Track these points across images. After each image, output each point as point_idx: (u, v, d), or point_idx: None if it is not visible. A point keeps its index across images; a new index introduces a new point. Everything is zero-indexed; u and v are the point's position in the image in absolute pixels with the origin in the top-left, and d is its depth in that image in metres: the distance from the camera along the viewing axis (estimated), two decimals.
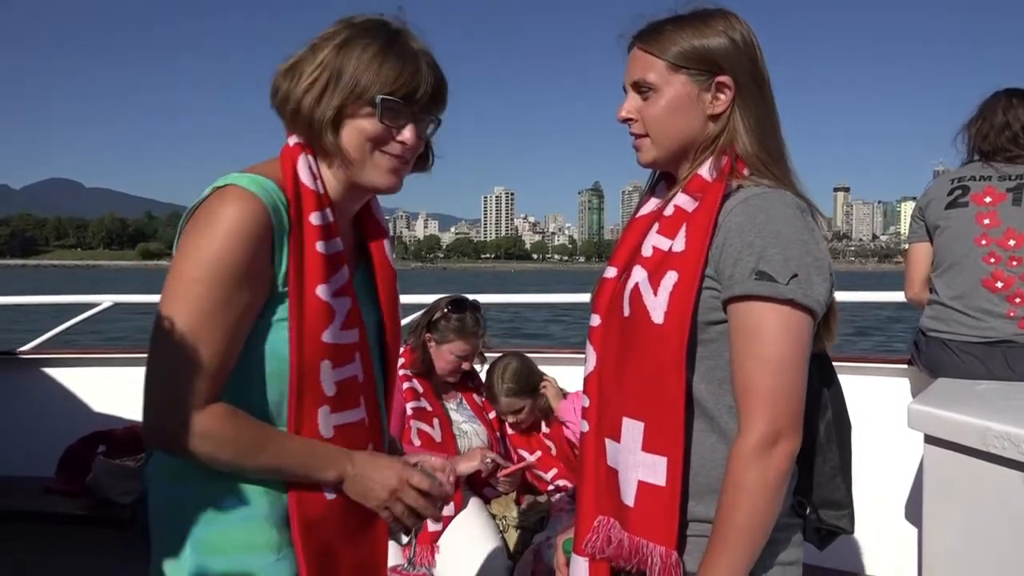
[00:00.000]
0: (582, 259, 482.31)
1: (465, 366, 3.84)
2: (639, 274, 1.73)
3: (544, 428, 4.01)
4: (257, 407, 1.69)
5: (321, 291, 1.69)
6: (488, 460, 3.61)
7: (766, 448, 1.58)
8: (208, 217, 1.62)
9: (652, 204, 1.91)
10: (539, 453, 3.96)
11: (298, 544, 1.70)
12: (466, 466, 3.56)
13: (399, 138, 1.75)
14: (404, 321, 4.59)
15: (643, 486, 1.67)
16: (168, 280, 1.63)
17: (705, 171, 1.74)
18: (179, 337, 1.59)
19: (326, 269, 1.71)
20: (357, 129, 1.71)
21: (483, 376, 4.09)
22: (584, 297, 5.70)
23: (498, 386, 3.87)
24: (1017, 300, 3.40)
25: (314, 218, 1.70)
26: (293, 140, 1.75)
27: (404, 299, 4.82)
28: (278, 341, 1.68)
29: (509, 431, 4.04)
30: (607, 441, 1.78)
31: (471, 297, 3.98)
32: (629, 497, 1.70)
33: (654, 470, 1.66)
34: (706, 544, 1.65)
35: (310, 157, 1.74)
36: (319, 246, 1.70)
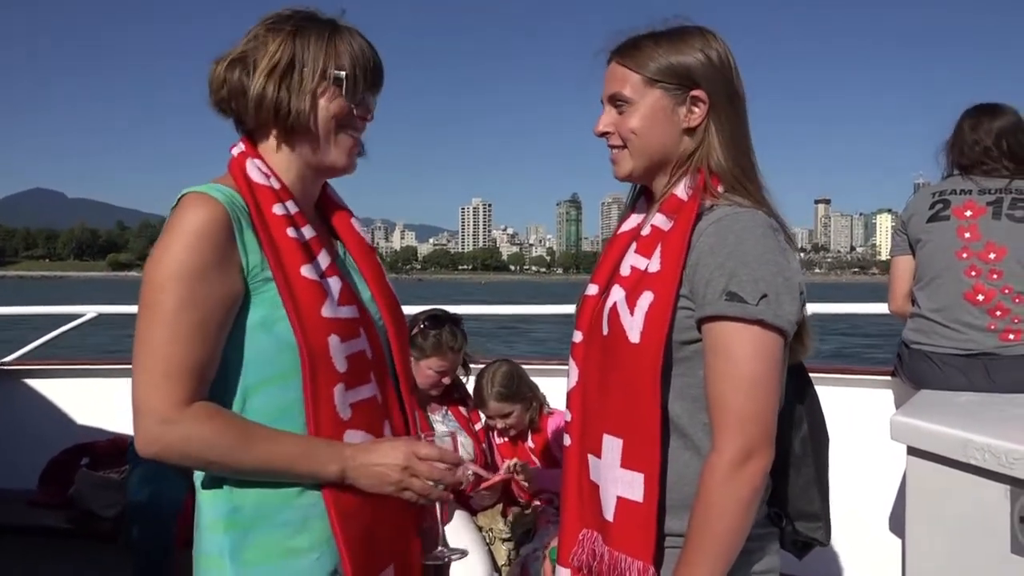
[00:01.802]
0: (559, 271, 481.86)
1: (446, 380, 3.81)
2: (617, 293, 1.76)
3: (530, 442, 4.01)
4: (281, 406, 1.71)
5: (306, 271, 1.71)
6: (469, 473, 3.59)
7: (739, 465, 1.61)
8: (168, 226, 1.66)
9: (633, 221, 1.94)
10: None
11: (339, 537, 1.71)
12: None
13: (358, 114, 1.83)
14: None
15: (622, 502, 1.70)
16: (140, 291, 1.65)
17: (680, 189, 1.77)
18: (150, 342, 1.62)
19: (303, 253, 1.73)
20: (324, 109, 1.77)
21: (470, 386, 4.08)
22: (557, 308, 5.66)
23: (487, 389, 3.86)
24: (998, 313, 3.44)
25: (277, 209, 1.73)
26: (236, 150, 1.80)
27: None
28: (282, 331, 1.69)
29: (497, 440, 4.04)
30: (589, 456, 1.81)
31: (451, 310, 3.97)
32: (609, 512, 1.73)
33: (632, 486, 1.68)
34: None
35: (257, 160, 1.78)
36: (290, 232, 1.73)
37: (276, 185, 1.76)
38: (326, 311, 1.71)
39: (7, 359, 5.43)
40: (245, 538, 1.70)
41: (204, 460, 1.66)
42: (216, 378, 1.68)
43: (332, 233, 1.97)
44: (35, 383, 5.30)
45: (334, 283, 1.77)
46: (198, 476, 1.76)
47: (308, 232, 1.77)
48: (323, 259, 1.78)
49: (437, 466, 1.76)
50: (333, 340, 1.71)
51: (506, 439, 4.02)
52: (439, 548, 1.94)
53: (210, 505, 1.73)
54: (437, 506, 1.91)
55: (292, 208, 1.76)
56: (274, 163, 1.80)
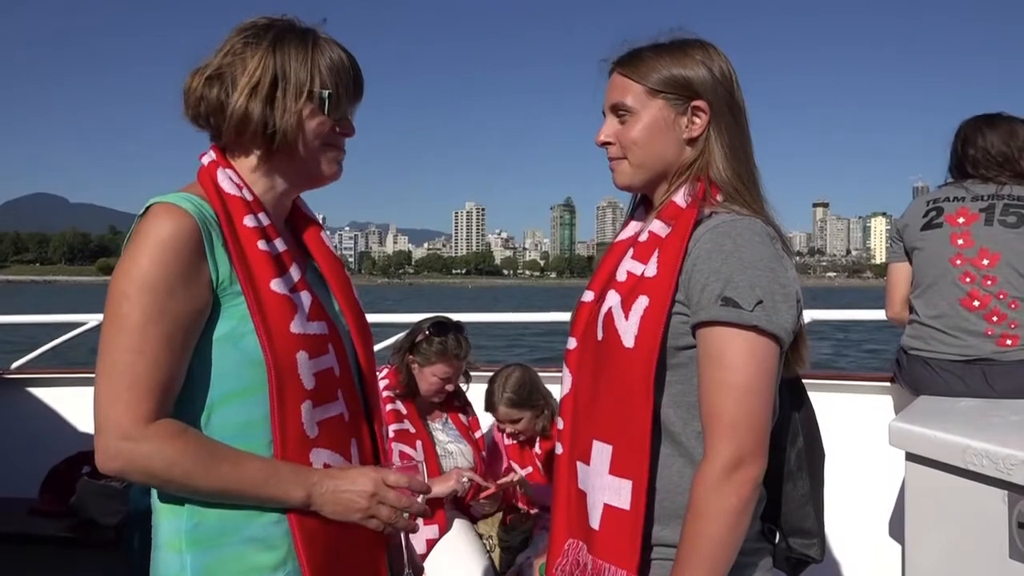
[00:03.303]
0: (553, 275, 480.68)
1: (449, 387, 3.83)
2: (613, 298, 1.75)
3: (537, 448, 4.02)
4: (245, 421, 1.67)
5: (276, 285, 1.67)
6: (465, 480, 3.60)
7: (730, 473, 1.59)
8: (136, 235, 1.62)
9: (631, 229, 1.93)
10: (529, 469, 3.97)
11: (303, 558, 1.66)
12: (442, 487, 3.55)
13: (341, 129, 1.80)
14: (388, 342, 4.60)
15: (608, 509, 1.69)
16: (105, 303, 1.61)
17: (680, 197, 1.76)
18: (114, 356, 1.57)
19: (274, 266, 1.69)
20: (307, 128, 1.73)
21: (469, 395, 4.10)
22: (554, 316, 5.70)
23: (498, 394, 3.88)
24: (994, 319, 3.46)
25: (248, 221, 1.69)
26: (207, 159, 1.76)
27: (381, 318, 4.79)
28: (249, 346, 1.65)
29: (507, 441, 4.05)
30: (578, 464, 1.80)
31: (454, 317, 3.98)
32: (595, 520, 1.72)
33: (619, 493, 1.67)
34: (669, 568, 1.66)
35: (228, 171, 1.73)
36: (261, 245, 1.68)
37: (248, 196, 1.72)
38: (295, 327, 1.67)
39: (9, 367, 5.42)
40: (207, 556, 1.65)
41: (166, 479, 1.60)
42: (180, 390, 1.64)
43: (301, 245, 1.92)
44: (37, 391, 5.29)
45: (304, 298, 1.73)
46: (155, 491, 1.70)
47: (280, 245, 1.73)
48: (294, 273, 1.74)
49: (405, 495, 1.73)
50: (301, 356, 1.67)
51: (515, 441, 4.04)
52: None
53: (169, 521, 1.68)
54: (402, 533, 1.88)
55: (264, 220, 1.72)
56: (246, 174, 1.76)
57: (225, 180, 1.71)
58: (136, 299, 1.56)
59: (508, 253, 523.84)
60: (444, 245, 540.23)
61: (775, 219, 1.79)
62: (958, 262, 3.57)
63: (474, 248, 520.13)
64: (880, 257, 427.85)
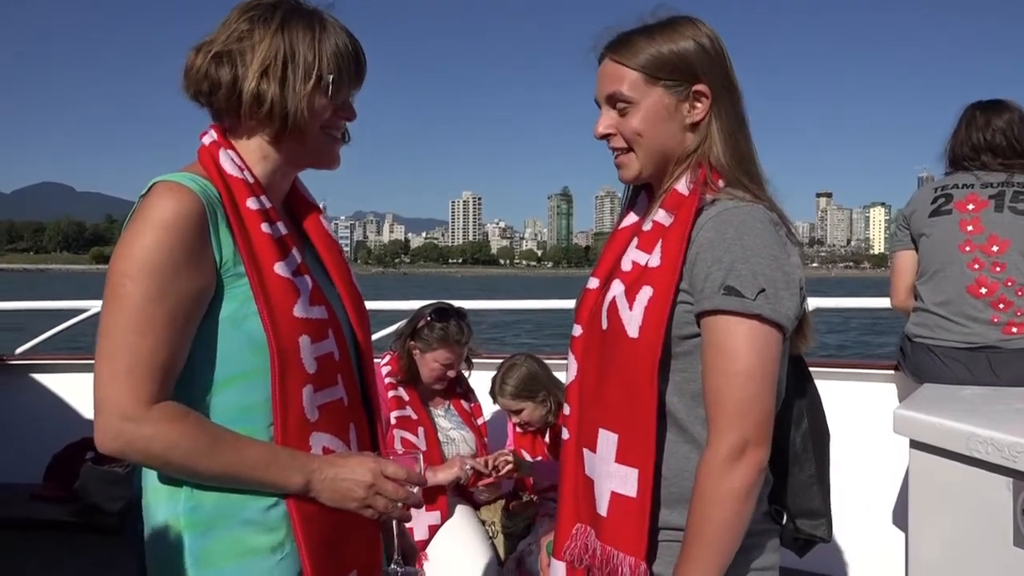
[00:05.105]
0: (550, 264, 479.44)
1: (451, 373, 3.82)
2: (617, 288, 1.75)
3: (547, 437, 4.02)
4: (245, 405, 1.66)
5: (280, 268, 1.66)
6: (468, 468, 3.60)
7: (734, 459, 1.60)
8: (139, 214, 1.60)
9: (633, 216, 1.92)
10: (539, 458, 3.98)
11: (300, 540, 1.66)
12: (445, 475, 3.56)
13: (343, 115, 1.80)
14: (389, 330, 4.60)
15: (615, 497, 1.70)
16: (105, 282, 1.59)
17: (682, 185, 1.74)
18: (115, 336, 1.56)
19: (277, 249, 1.68)
20: (315, 112, 1.72)
21: (473, 381, 4.10)
22: (557, 303, 5.71)
23: (498, 384, 3.89)
24: (1001, 306, 3.47)
25: (251, 203, 1.68)
26: (208, 139, 1.74)
27: (379, 305, 4.74)
28: (252, 329, 1.64)
29: (517, 429, 4.05)
30: (585, 451, 1.80)
31: (456, 304, 3.98)
32: (603, 507, 1.73)
33: (626, 481, 1.68)
34: (678, 550, 1.67)
35: (230, 152, 1.72)
36: (264, 227, 1.67)
37: (250, 179, 1.71)
38: (298, 311, 1.67)
39: (13, 353, 5.43)
40: (205, 538, 1.65)
41: (166, 461, 1.59)
42: (181, 371, 1.63)
43: (299, 230, 1.91)
44: (40, 377, 5.30)
45: (305, 282, 1.72)
46: (150, 473, 1.68)
47: (282, 228, 1.72)
48: (296, 256, 1.73)
49: (402, 486, 1.73)
50: (304, 340, 1.67)
51: (525, 431, 4.04)
52: (392, 565, 1.92)
53: (167, 503, 1.67)
54: (394, 522, 1.89)
55: (266, 203, 1.71)
56: (248, 155, 1.74)
57: (227, 161, 1.70)
58: (138, 279, 1.55)
59: (505, 243, 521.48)
60: (442, 234, 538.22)
61: (778, 203, 1.78)
62: (967, 248, 3.57)
63: (471, 237, 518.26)
64: (879, 247, 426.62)
